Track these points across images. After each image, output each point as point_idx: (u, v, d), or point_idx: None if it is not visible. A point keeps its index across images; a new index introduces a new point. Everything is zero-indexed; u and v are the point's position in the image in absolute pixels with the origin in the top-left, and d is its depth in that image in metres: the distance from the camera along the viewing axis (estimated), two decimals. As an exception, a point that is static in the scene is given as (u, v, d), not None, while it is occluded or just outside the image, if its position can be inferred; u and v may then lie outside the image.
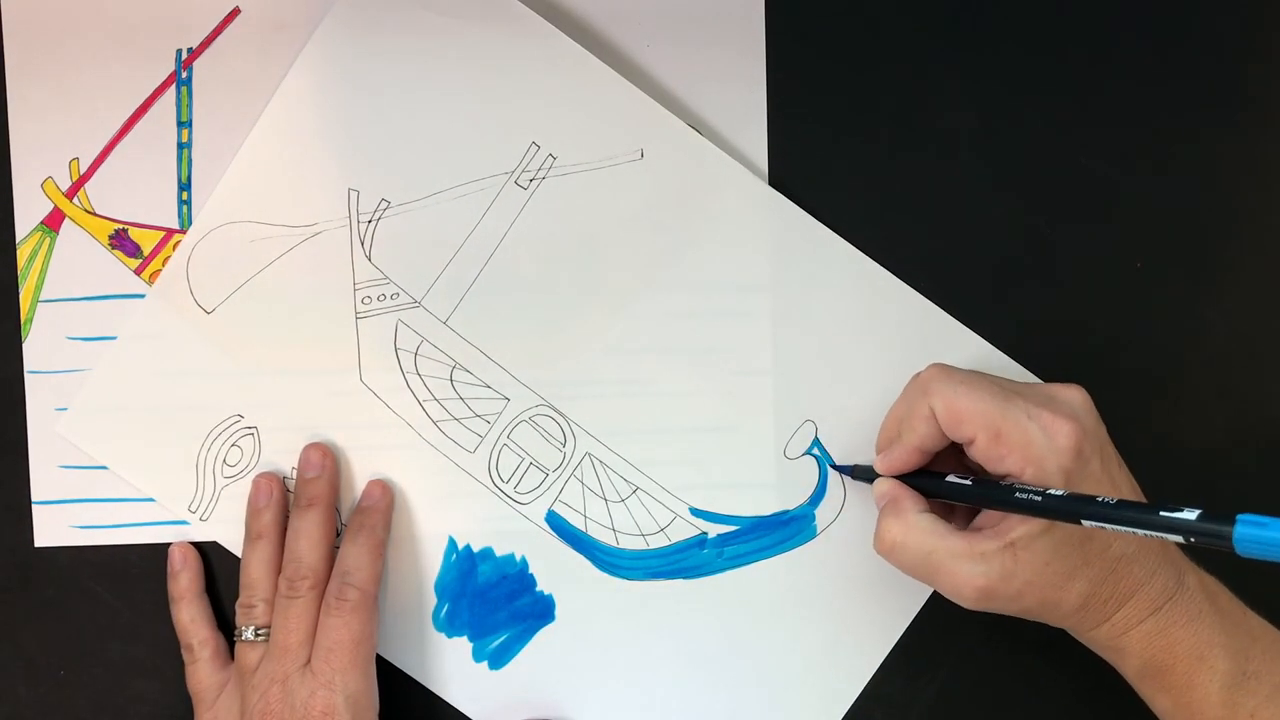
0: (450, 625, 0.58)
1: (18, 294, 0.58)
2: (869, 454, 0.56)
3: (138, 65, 0.57)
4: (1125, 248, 0.58)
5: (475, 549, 0.58)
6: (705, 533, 0.57)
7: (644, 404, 0.57)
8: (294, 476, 0.57)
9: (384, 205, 0.57)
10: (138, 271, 0.58)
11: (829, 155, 0.58)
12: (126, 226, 0.58)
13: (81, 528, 0.58)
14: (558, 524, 0.57)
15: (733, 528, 0.57)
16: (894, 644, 0.58)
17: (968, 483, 0.51)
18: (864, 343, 0.57)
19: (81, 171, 0.57)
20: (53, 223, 0.58)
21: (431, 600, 0.58)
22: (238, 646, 0.55)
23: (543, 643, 0.58)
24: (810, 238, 0.57)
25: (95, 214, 0.58)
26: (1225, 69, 0.58)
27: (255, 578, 0.56)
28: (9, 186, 0.57)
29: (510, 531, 0.58)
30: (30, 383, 0.58)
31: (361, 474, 0.57)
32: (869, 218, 0.58)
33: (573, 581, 0.58)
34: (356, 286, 0.57)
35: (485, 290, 0.57)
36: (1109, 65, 0.57)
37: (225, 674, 0.56)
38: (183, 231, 0.58)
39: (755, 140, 0.58)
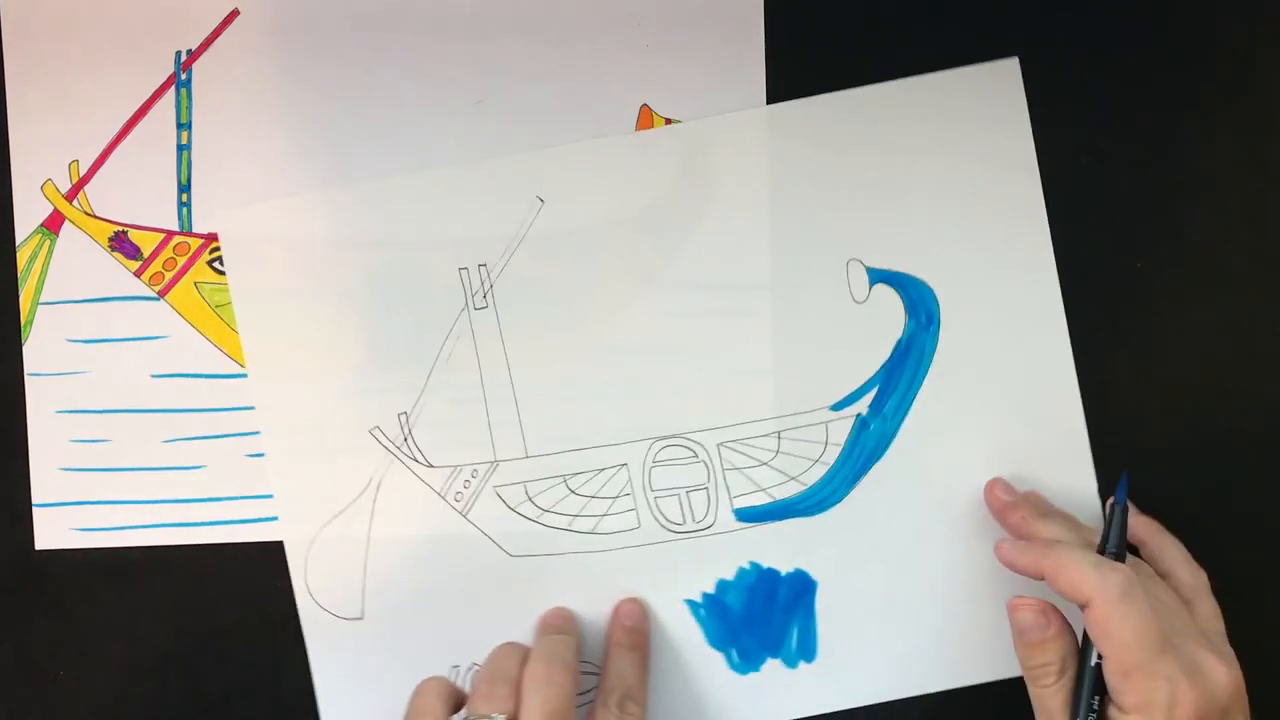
0: (749, 661, 0.58)
1: (18, 296, 0.58)
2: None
3: (137, 67, 0.57)
4: (1125, 248, 0.58)
5: (712, 592, 0.58)
6: (858, 414, 0.57)
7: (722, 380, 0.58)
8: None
9: (405, 418, 0.57)
10: (138, 273, 0.58)
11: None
12: (126, 228, 0.58)
13: (82, 530, 0.58)
14: (750, 514, 0.57)
15: (873, 392, 0.57)
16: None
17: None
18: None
19: (81, 174, 0.57)
20: (52, 225, 0.58)
21: (716, 656, 0.58)
22: None
23: (826, 608, 0.58)
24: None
25: (95, 216, 0.58)
26: (1225, 68, 0.58)
27: (507, 665, 0.52)
28: (9, 189, 0.58)
29: (722, 555, 0.58)
30: (30, 385, 0.58)
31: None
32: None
33: (801, 545, 0.57)
34: (441, 493, 0.57)
35: (534, 406, 0.57)
36: (1109, 65, 0.57)
37: None
38: (182, 233, 0.57)
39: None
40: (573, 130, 0.57)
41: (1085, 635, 0.51)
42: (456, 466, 0.57)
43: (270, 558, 0.58)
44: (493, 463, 0.57)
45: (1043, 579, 0.51)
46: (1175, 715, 0.48)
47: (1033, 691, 0.53)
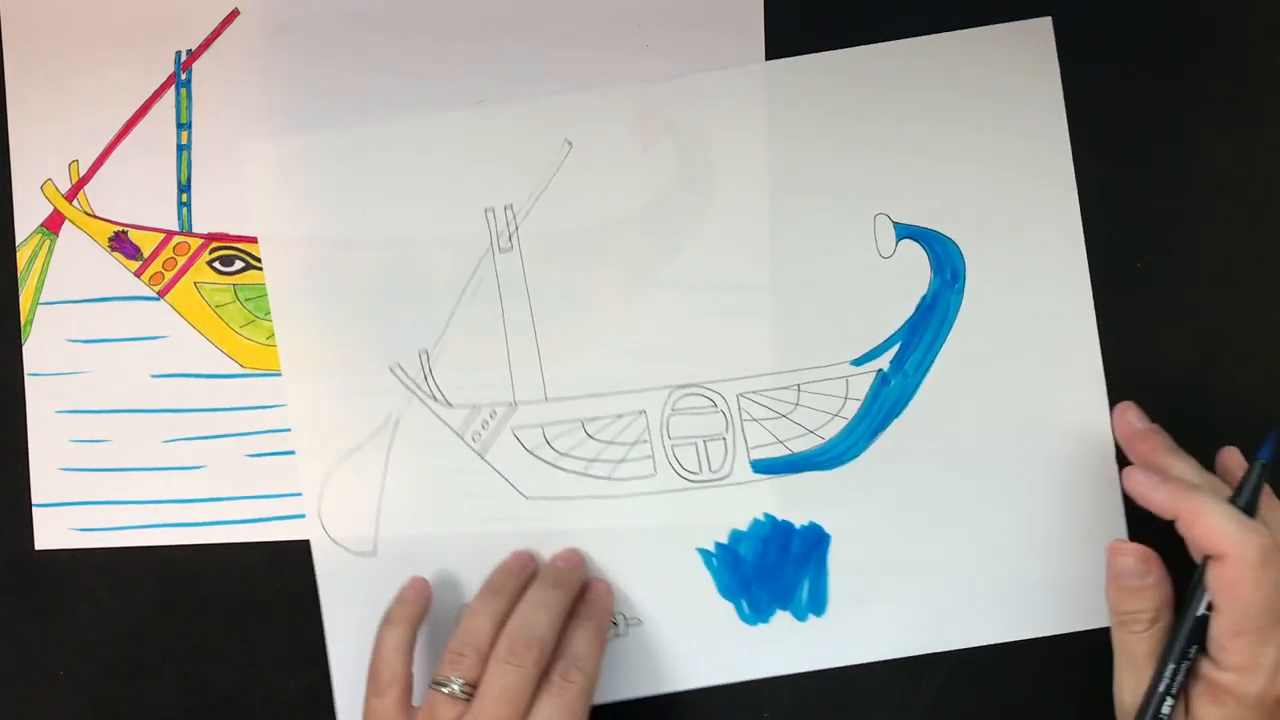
0: (759, 612, 0.58)
1: (18, 296, 0.58)
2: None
3: (137, 67, 0.57)
4: (1125, 248, 0.58)
5: (725, 542, 0.58)
6: (879, 369, 0.57)
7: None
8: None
9: (425, 356, 0.57)
10: (138, 273, 0.58)
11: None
12: (126, 228, 0.58)
13: (82, 530, 0.58)
14: (766, 466, 0.57)
15: (895, 348, 0.57)
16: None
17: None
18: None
19: (81, 174, 0.58)
20: (52, 225, 0.58)
21: (727, 607, 0.58)
22: (434, 696, 0.52)
23: (839, 563, 0.58)
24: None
25: (95, 216, 0.58)
26: (1225, 69, 0.58)
27: (479, 627, 0.53)
28: (9, 189, 0.58)
29: (737, 505, 0.57)
30: (30, 385, 0.58)
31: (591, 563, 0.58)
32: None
33: (816, 498, 0.57)
34: (459, 432, 0.57)
35: (555, 350, 0.57)
36: (1109, 65, 0.57)
37: (405, 718, 0.53)
38: (182, 233, 0.58)
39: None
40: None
41: (1196, 584, 0.50)
42: (475, 407, 0.57)
43: (271, 557, 0.58)
44: (512, 404, 0.57)
45: (1172, 519, 0.51)
46: (1277, 683, 0.48)
47: (1118, 637, 0.52)
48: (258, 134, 0.57)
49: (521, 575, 0.55)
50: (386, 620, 0.55)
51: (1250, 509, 0.50)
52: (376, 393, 0.57)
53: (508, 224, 0.57)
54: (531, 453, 0.57)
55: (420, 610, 0.55)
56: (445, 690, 0.51)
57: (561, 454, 0.57)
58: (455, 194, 0.57)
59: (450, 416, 0.57)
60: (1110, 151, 0.57)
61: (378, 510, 0.58)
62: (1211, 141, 0.58)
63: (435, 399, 0.57)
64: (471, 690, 0.51)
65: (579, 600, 0.56)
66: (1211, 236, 0.58)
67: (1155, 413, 0.57)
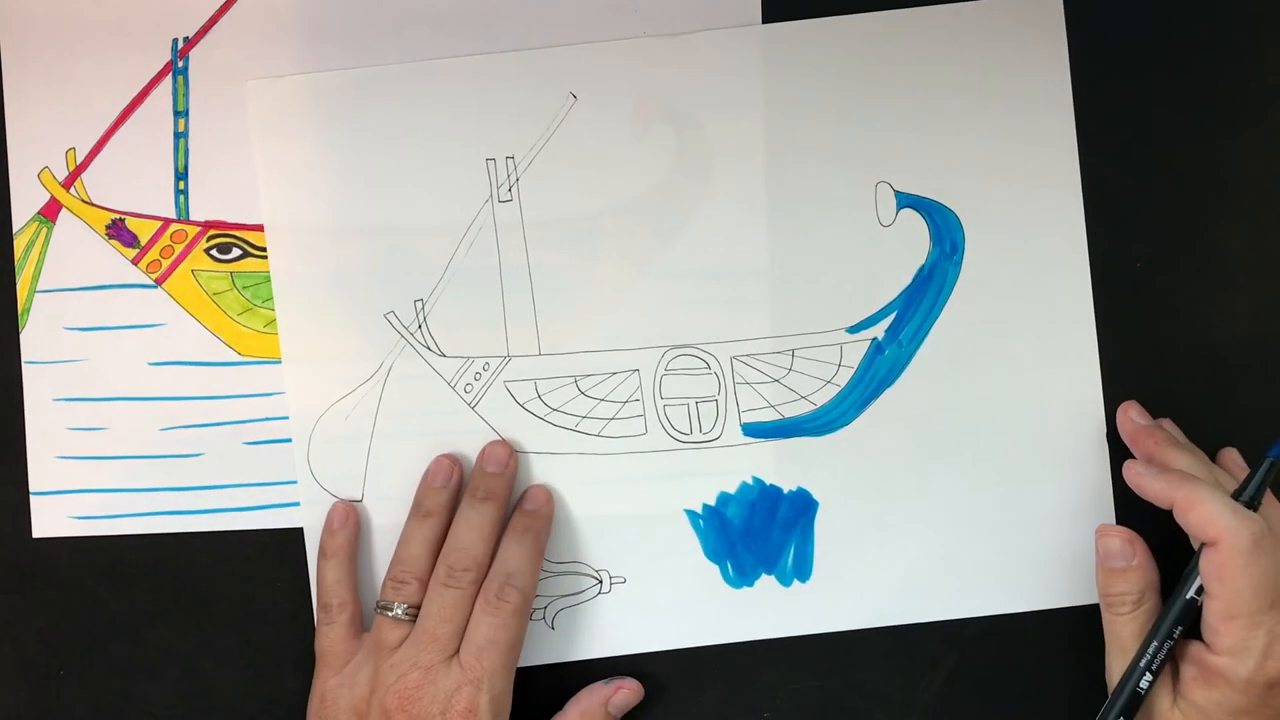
0: (744, 575, 0.58)
1: (15, 284, 0.58)
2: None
3: (134, 54, 0.57)
4: (1125, 248, 0.57)
5: (712, 504, 0.58)
6: (874, 338, 0.57)
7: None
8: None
9: (420, 304, 0.57)
10: (135, 261, 0.58)
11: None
12: (123, 216, 0.58)
13: (79, 518, 0.58)
14: (757, 430, 0.57)
15: (890, 317, 0.57)
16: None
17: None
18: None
19: (78, 161, 0.58)
20: (49, 213, 0.58)
21: (712, 569, 0.58)
22: (380, 620, 0.55)
23: (826, 529, 0.58)
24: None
25: (92, 204, 0.58)
26: (1226, 68, 0.58)
27: (416, 555, 0.55)
28: (5, 177, 0.58)
29: (725, 468, 0.58)
30: (27, 373, 0.58)
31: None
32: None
33: (805, 464, 0.58)
34: (452, 383, 0.57)
35: (551, 305, 0.57)
36: (1109, 64, 0.57)
37: (356, 642, 0.55)
38: (180, 221, 0.57)
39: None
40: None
41: (1190, 568, 0.52)
42: (469, 358, 0.57)
43: (270, 545, 0.58)
44: (505, 357, 0.57)
45: (1169, 508, 0.52)
46: (1267, 667, 0.49)
47: (1107, 620, 0.53)
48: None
49: (447, 488, 0.56)
50: (321, 554, 0.56)
51: (1253, 505, 0.51)
52: (370, 340, 0.57)
53: (509, 175, 0.57)
54: (523, 406, 0.57)
55: (351, 534, 0.57)
56: (390, 614, 0.54)
57: (553, 409, 0.57)
58: (457, 142, 0.57)
59: (443, 366, 0.57)
60: (1111, 151, 0.57)
61: (367, 457, 0.57)
62: (1212, 141, 0.58)
63: (429, 348, 0.57)
64: (414, 612, 0.54)
65: (515, 512, 0.56)
66: (1213, 237, 0.58)
67: (1155, 411, 0.57)
